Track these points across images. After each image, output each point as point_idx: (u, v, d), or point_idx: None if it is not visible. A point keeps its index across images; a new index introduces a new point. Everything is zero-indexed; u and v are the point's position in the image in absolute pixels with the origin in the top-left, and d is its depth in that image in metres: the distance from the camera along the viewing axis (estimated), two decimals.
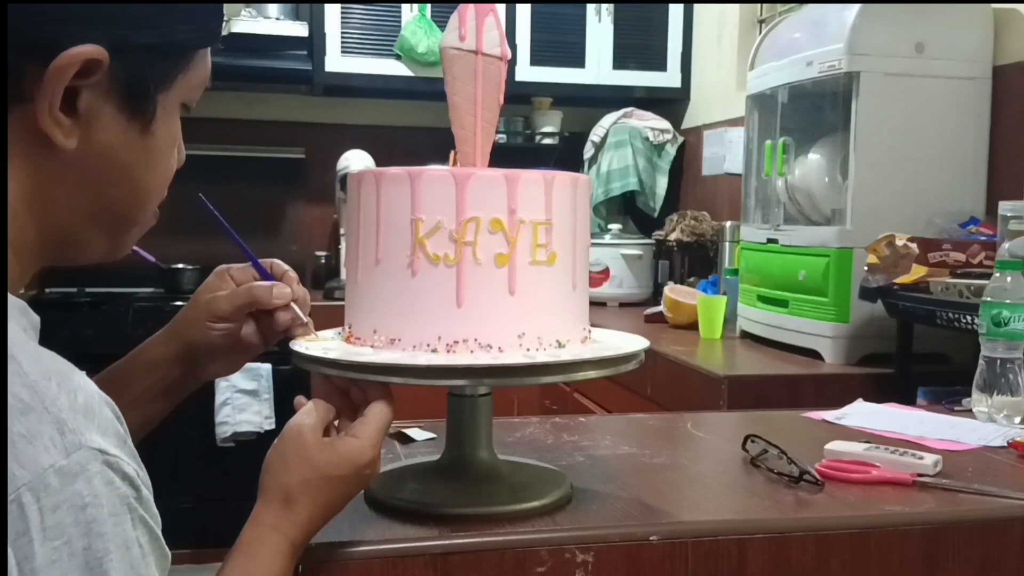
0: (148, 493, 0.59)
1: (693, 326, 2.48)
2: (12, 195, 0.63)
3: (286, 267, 0.97)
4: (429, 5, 3.36)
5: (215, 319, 0.93)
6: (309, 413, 0.82)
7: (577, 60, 3.50)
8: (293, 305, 0.95)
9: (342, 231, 3.50)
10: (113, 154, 0.66)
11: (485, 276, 0.85)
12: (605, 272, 3.22)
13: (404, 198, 0.85)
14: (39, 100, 0.60)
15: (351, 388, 0.86)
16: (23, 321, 0.62)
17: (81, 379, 0.59)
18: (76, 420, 0.55)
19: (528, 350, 0.86)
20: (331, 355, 0.84)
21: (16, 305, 0.62)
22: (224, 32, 3.21)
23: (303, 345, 0.89)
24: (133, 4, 0.64)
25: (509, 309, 0.85)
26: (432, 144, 3.42)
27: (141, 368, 0.94)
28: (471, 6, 0.92)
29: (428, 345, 0.85)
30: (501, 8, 3.58)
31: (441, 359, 0.84)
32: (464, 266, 0.84)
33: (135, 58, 0.64)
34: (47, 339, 0.63)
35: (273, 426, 3.09)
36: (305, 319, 0.95)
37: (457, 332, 0.85)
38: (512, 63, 3.39)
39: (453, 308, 0.84)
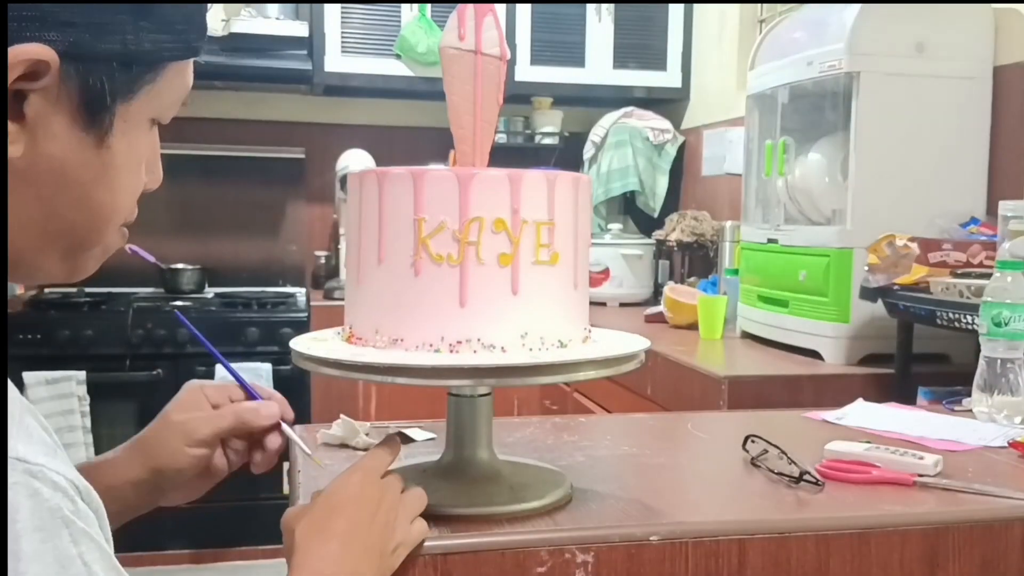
0: (91, 506, 0.53)
1: (693, 326, 2.48)
2: None
3: (270, 389, 0.92)
4: (429, 5, 3.36)
5: (193, 443, 0.86)
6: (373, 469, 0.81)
7: (577, 60, 3.50)
8: (286, 427, 0.90)
9: (342, 231, 3.50)
10: (65, 169, 0.60)
11: (488, 276, 0.84)
12: (605, 272, 3.22)
13: (407, 198, 0.85)
14: None
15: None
16: None
17: (15, 396, 0.54)
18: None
19: (531, 350, 0.86)
20: (335, 355, 0.84)
21: None
22: (224, 32, 3.22)
23: (305, 344, 0.89)
24: (95, 7, 0.58)
25: (512, 309, 0.85)
26: (432, 144, 3.43)
27: (97, 486, 0.87)
28: (470, 6, 0.92)
29: (431, 345, 0.85)
30: (501, 8, 3.57)
31: (444, 359, 0.84)
32: (467, 266, 0.84)
33: (92, 65, 0.59)
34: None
35: None
36: (304, 446, 0.90)
37: (460, 332, 0.84)
38: (512, 63, 3.40)
39: (456, 308, 0.84)
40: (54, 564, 0.49)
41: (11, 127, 0.57)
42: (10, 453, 0.49)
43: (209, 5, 0.68)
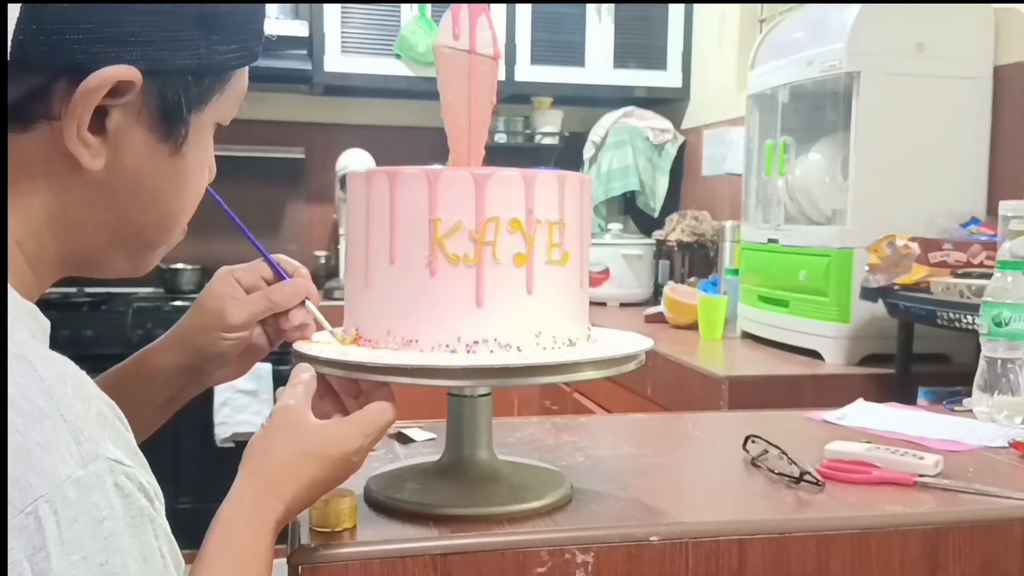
0: (161, 505, 0.57)
1: (693, 326, 2.48)
2: (34, 212, 0.62)
3: (295, 263, 0.93)
4: (429, 5, 3.36)
5: (229, 329, 0.88)
6: (294, 393, 0.79)
7: (577, 60, 3.50)
8: (309, 304, 0.91)
9: (342, 231, 3.50)
10: (141, 177, 0.64)
11: (504, 276, 0.85)
12: (605, 272, 3.22)
13: (422, 198, 0.84)
14: (67, 119, 0.59)
15: (354, 390, 0.84)
16: (32, 325, 0.61)
17: (92, 385, 0.57)
18: (91, 429, 0.53)
19: (544, 349, 0.86)
20: (352, 358, 0.83)
21: (26, 309, 0.61)
22: None
23: (317, 348, 0.87)
24: (170, 24, 0.61)
25: (527, 309, 0.86)
26: (432, 144, 3.42)
27: (144, 377, 0.90)
28: (463, 5, 0.92)
29: (447, 346, 0.84)
30: (501, 8, 3.56)
31: (463, 360, 0.83)
32: (484, 266, 0.84)
33: (170, 80, 0.63)
34: (48, 340, 0.63)
35: None
36: (323, 320, 0.92)
37: (477, 332, 0.84)
38: (512, 63, 3.41)
39: (473, 308, 0.84)
40: (139, 557, 0.54)
41: (94, 141, 0.61)
42: (105, 454, 0.53)
43: (266, 6, 0.72)
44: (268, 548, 0.73)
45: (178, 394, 0.92)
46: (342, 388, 0.85)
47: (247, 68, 0.70)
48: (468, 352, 0.84)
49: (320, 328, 0.93)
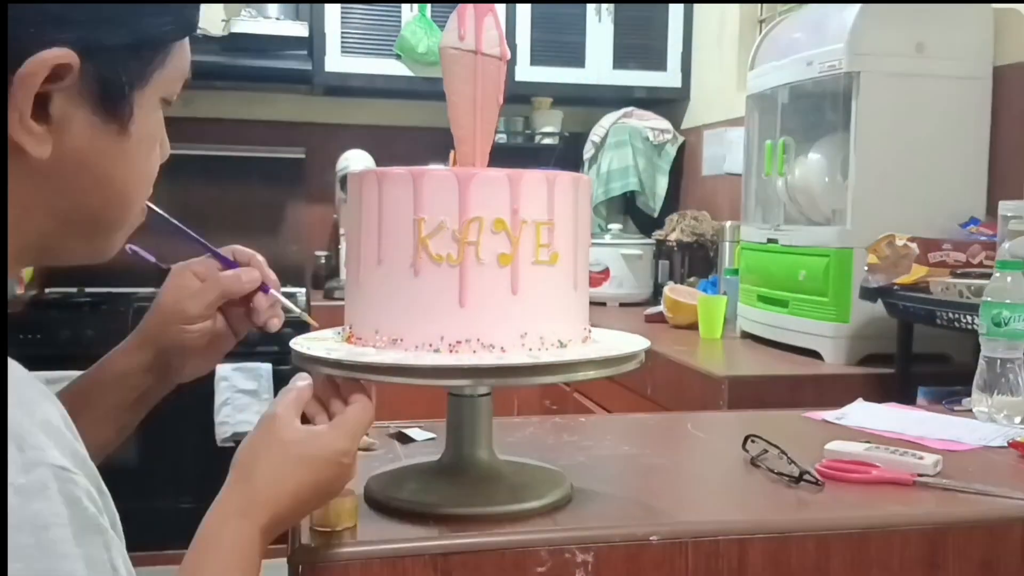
0: (106, 519, 0.55)
1: (693, 326, 2.48)
2: None
3: (250, 252, 0.93)
4: (429, 5, 3.36)
5: (187, 321, 0.89)
6: (283, 400, 0.79)
7: (577, 60, 3.50)
8: (273, 292, 0.91)
9: (342, 231, 3.50)
10: (89, 160, 0.62)
11: (488, 276, 0.85)
12: (605, 272, 3.22)
13: (407, 198, 0.85)
14: (9, 109, 0.56)
15: (336, 391, 0.84)
16: None
17: (40, 391, 0.56)
18: (35, 436, 0.52)
19: (530, 350, 0.86)
20: (334, 355, 0.84)
21: None
22: (224, 32, 3.22)
23: (304, 345, 0.89)
24: (101, 1, 0.60)
25: (512, 309, 0.86)
26: (432, 144, 3.43)
27: (111, 380, 0.90)
28: (470, 6, 0.92)
29: (430, 345, 0.85)
30: (501, 8, 3.56)
31: (444, 359, 0.84)
32: (467, 266, 0.84)
33: (107, 58, 0.60)
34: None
35: None
36: (291, 305, 0.92)
37: (460, 332, 0.85)
38: (512, 63, 3.39)
39: (456, 308, 0.84)
40: (84, 568, 0.52)
41: (37, 129, 0.58)
42: (50, 460, 0.52)
43: None
44: (253, 559, 0.72)
45: (147, 393, 0.91)
46: (324, 392, 0.84)
47: (187, 40, 0.68)
48: (451, 352, 0.84)
49: (288, 312, 0.93)
